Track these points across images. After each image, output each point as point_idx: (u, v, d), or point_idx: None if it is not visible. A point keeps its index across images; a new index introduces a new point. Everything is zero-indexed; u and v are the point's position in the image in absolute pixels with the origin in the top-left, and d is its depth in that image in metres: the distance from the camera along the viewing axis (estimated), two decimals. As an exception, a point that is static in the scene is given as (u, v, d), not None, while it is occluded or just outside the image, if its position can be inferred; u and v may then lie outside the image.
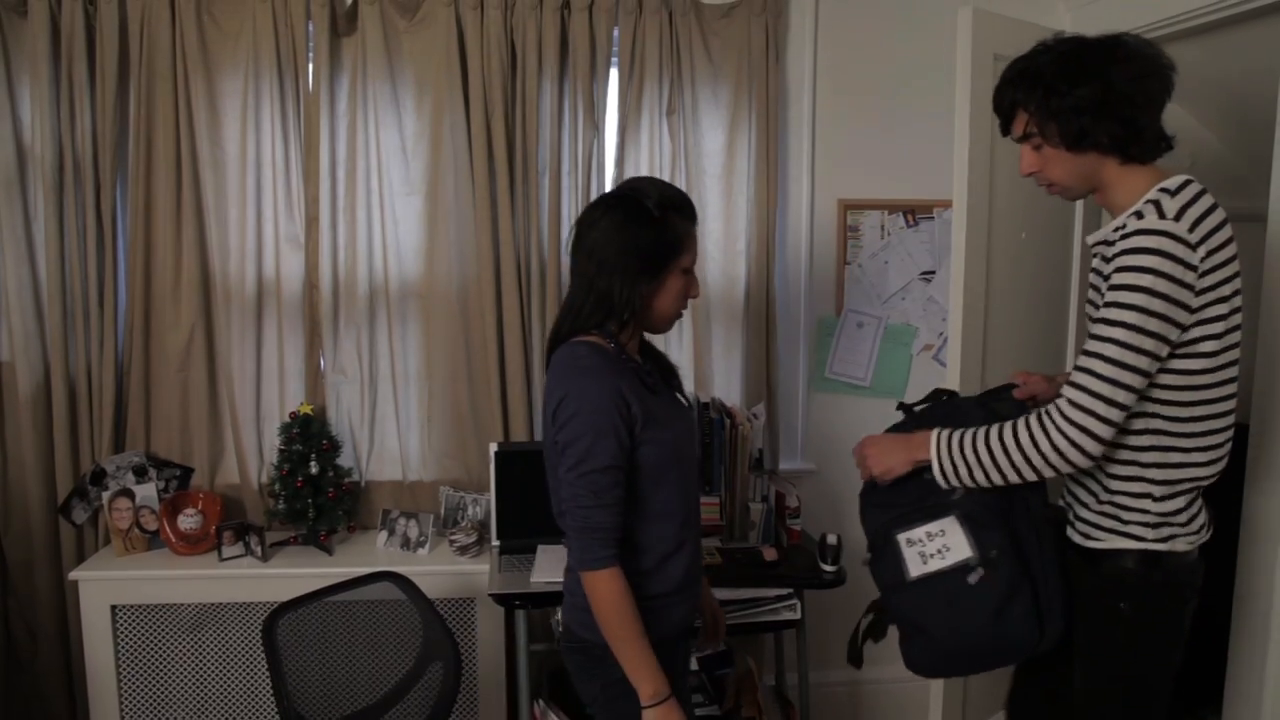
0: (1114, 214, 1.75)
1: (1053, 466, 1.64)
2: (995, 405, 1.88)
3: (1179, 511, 1.73)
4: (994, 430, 1.70)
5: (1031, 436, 1.64)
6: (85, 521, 2.94)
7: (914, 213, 3.22)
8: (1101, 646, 1.81)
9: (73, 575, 2.78)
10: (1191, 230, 1.58)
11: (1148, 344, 1.58)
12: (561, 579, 2.52)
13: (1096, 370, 1.60)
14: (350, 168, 2.97)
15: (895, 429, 1.94)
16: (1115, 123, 1.65)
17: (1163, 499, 1.73)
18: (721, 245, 3.11)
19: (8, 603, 2.99)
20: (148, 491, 2.88)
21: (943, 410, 1.92)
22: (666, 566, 1.80)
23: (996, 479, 1.70)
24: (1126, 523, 1.75)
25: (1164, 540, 1.73)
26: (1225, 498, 2.75)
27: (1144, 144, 1.69)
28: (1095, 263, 1.83)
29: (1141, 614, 1.77)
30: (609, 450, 1.67)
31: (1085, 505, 1.82)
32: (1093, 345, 1.62)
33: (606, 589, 1.68)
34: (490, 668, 2.88)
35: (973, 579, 1.74)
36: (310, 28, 2.89)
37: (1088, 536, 1.80)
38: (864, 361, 3.28)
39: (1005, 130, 1.82)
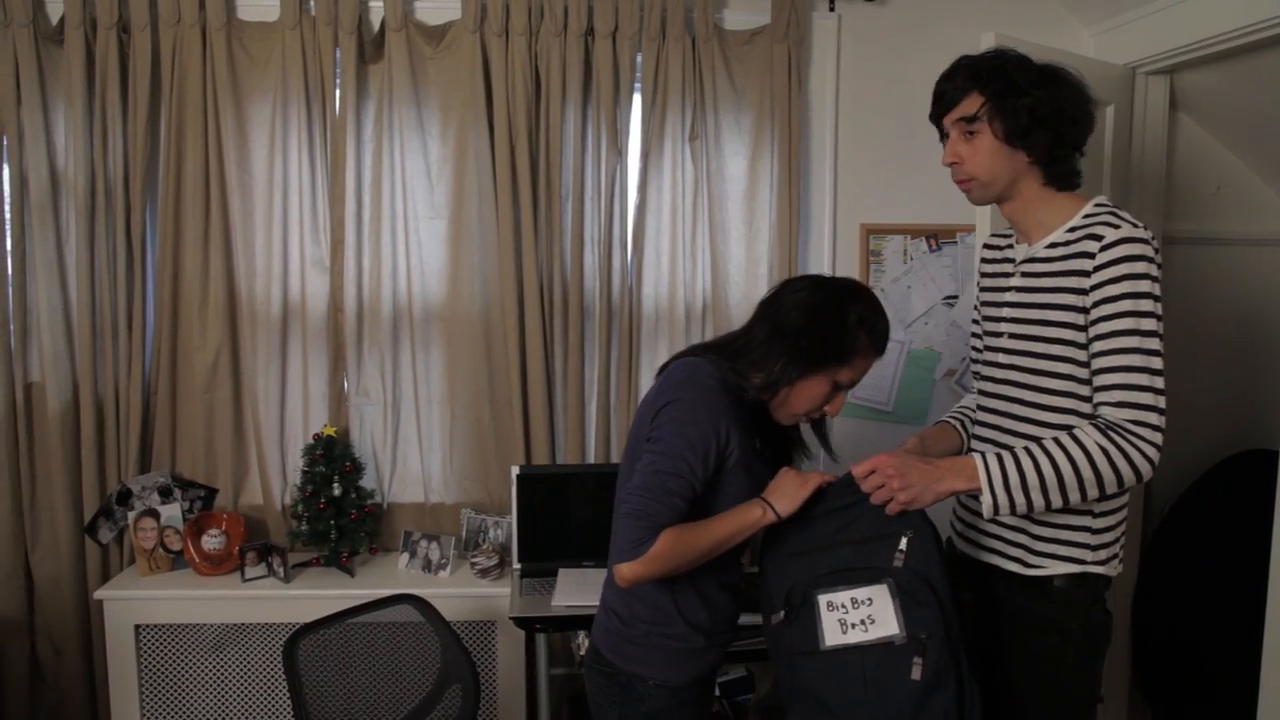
0: (1026, 228, 1.80)
1: (1139, 477, 1.61)
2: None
3: (1112, 529, 1.76)
4: (1057, 457, 1.62)
5: (1110, 458, 1.59)
6: (111, 541, 2.97)
7: (936, 237, 3.22)
8: (1050, 670, 1.77)
9: (98, 594, 2.81)
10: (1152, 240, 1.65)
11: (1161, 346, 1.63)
12: (582, 603, 2.55)
13: (1155, 385, 1.61)
14: (375, 192, 3.00)
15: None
16: (1055, 134, 1.71)
17: (1101, 515, 1.74)
18: (744, 269, 3.11)
19: (34, 620, 3.02)
20: (172, 512, 2.91)
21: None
22: (712, 598, 1.79)
23: (1057, 503, 1.64)
24: (1069, 544, 1.74)
25: (1103, 562, 1.75)
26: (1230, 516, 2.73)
27: (1065, 166, 1.75)
28: (995, 266, 1.92)
29: (1093, 633, 1.77)
30: (689, 464, 1.65)
31: (1022, 530, 1.78)
32: (1134, 358, 1.61)
33: (666, 547, 1.61)
34: (510, 691, 2.87)
35: (915, 674, 1.58)
36: (338, 55, 2.94)
37: (1027, 564, 1.77)
38: (886, 386, 3.26)
39: (941, 114, 1.81)
